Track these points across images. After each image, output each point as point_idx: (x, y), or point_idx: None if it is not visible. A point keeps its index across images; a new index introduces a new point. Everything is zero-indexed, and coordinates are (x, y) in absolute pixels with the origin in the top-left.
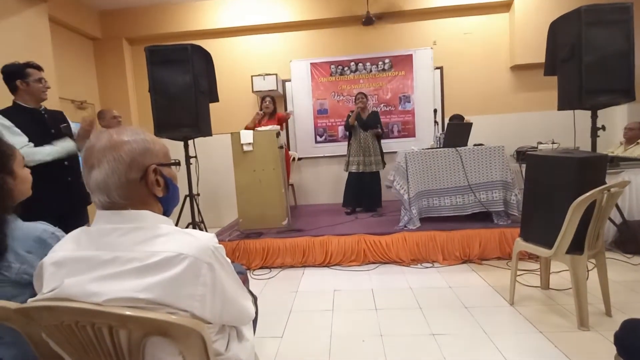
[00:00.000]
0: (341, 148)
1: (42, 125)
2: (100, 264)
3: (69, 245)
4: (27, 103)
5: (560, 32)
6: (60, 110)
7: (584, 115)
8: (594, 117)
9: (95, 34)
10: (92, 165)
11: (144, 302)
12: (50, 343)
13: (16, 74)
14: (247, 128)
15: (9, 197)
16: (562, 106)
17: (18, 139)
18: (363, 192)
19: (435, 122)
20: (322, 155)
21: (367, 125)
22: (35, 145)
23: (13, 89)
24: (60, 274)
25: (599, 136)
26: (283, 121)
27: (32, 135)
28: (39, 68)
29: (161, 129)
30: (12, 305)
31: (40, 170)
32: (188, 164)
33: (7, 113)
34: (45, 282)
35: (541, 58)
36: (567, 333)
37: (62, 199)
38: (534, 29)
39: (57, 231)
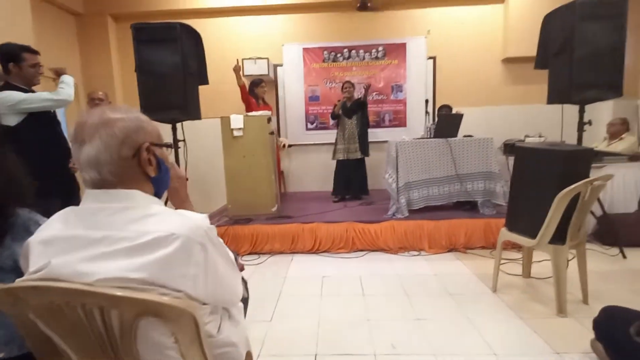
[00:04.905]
0: (332, 136)
1: None
2: (89, 243)
3: (57, 225)
4: (19, 84)
5: (554, 25)
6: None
7: (571, 110)
8: (582, 112)
9: (77, 9)
10: (83, 141)
11: (136, 282)
12: (38, 324)
13: (11, 56)
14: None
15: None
16: (551, 100)
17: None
18: (349, 180)
19: (427, 112)
20: (312, 142)
21: (352, 113)
22: (33, 126)
23: (5, 70)
24: (48, 253)
25: (585, 130)
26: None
27: (28, 115)
28: (35, 52)
29: (148, 111)
30: None
31: (47, 154)
32: (176, 148)
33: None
34: (32, 260)
35: (533, 51)
36: (546, 319)
37: (69, 181)
38: (527, 21)
39: (41, 219)
